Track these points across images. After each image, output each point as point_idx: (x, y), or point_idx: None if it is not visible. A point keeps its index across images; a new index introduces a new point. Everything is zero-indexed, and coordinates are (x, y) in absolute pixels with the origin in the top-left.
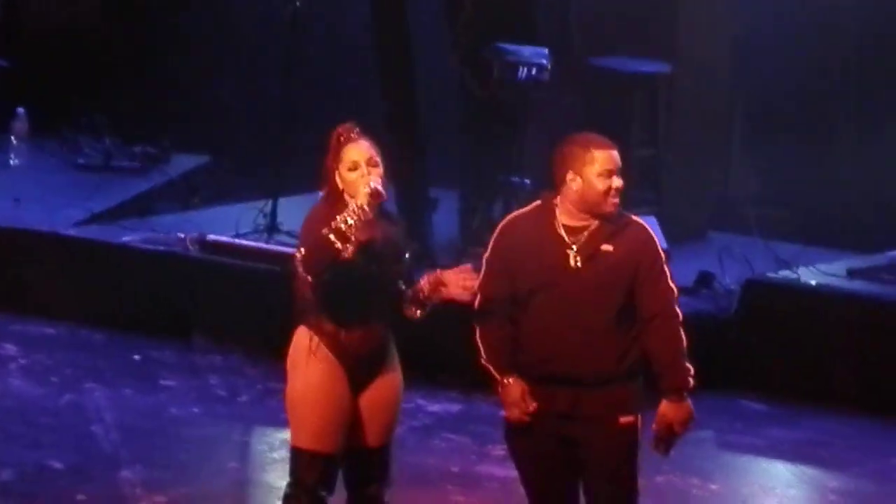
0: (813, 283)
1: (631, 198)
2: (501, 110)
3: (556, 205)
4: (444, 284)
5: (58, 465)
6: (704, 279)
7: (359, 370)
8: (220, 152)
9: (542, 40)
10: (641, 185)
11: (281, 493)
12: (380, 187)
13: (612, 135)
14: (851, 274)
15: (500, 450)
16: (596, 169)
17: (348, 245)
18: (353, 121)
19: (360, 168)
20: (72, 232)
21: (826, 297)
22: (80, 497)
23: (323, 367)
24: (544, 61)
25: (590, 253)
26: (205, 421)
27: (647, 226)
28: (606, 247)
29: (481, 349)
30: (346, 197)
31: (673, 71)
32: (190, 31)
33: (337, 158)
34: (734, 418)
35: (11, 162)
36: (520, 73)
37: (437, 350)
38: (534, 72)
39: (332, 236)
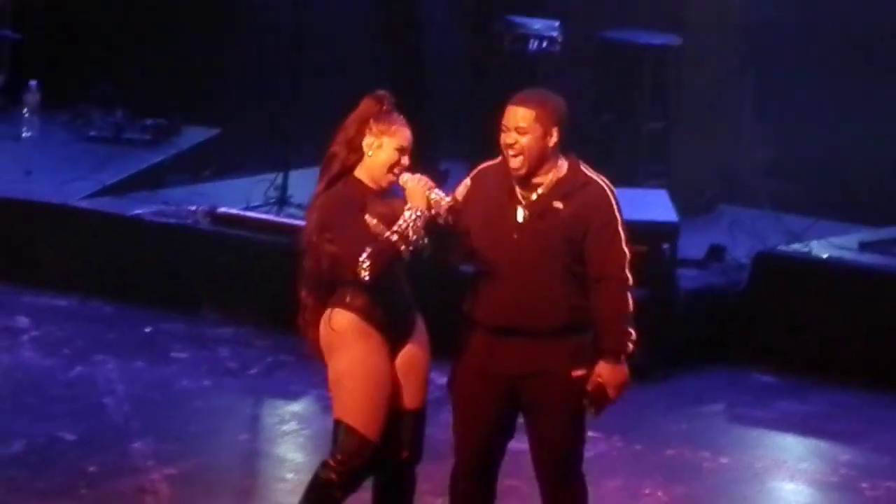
0: (824, 256)
1: (641, 171)
2: (511, 83)
3: None
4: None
5: (69, 436)
6: (715, 252)
7: (395, 336)
8: (230, 125)
9: (551, 13)
10: (651, 158)
11: (292, 465)
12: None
13: (621, 107)
14: (863, 247)
15: None
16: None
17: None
18: (386, 92)
19: (405, 154)
20: (83, 204)
21: (837, 271)
22: (90, 468)
23: (367, 344)
24: (555, 34)
25: (538, 209)
26: (215, 393)
27: (605, 186)
28: (557, 204)
29: None
30: (370, 182)
31: (683, 43)
32: (201, 2)
33: (386, 129)
34: (745, 392)
35: (24, 134)
36: (530, 46)
37: (448, 324)
38: (544, 44)
39: (396, 239)
